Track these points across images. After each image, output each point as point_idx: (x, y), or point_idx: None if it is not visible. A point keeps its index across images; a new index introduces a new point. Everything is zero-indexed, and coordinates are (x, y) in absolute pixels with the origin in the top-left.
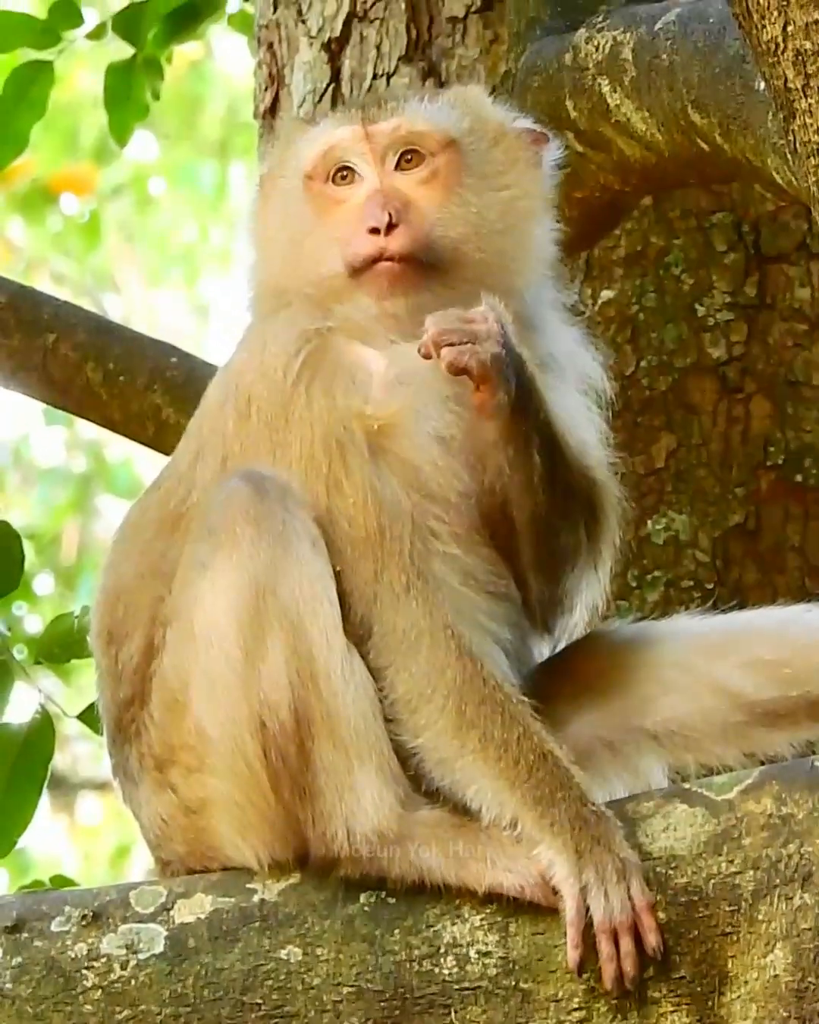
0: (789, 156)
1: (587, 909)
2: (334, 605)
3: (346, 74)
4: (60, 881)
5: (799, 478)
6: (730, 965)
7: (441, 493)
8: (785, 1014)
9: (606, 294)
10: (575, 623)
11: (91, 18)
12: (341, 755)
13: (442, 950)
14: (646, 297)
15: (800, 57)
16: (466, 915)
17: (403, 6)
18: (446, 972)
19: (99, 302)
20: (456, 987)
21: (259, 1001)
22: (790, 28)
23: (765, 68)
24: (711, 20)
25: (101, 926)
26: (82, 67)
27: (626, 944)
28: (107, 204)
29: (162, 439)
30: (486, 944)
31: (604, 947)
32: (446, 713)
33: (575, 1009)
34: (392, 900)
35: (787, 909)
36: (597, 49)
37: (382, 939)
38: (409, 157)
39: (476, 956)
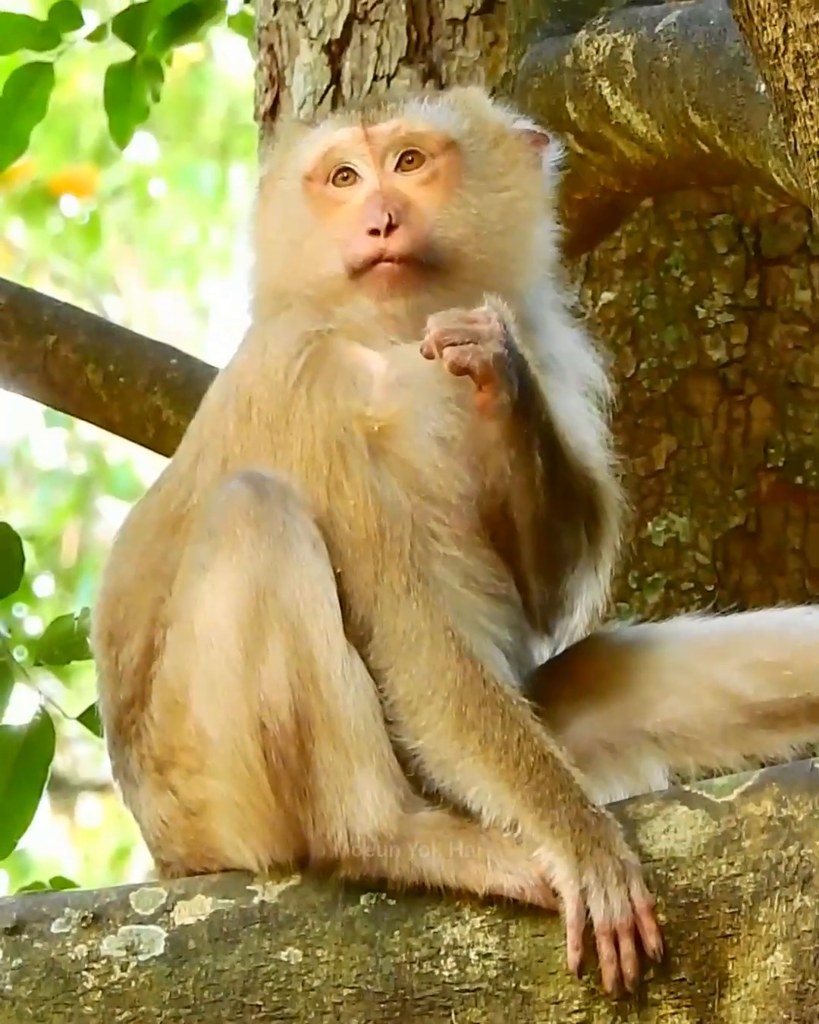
0: (790, 158)
1: (587, 911)
2: (334, 607)
3: (346, 76)
4: (60, 883)
5: (799, 480)
6: (730, 967)
7: (442, 495)
8: (785, 1016)
9: (606, 296)
10: (575, 625)
11: (91, 20)
12: (341, 757)
13: (442, 952)
14: (646, 299)
15: (801, 59)
16: (466, 917)
17: (403, 8)
18: (446, 974)
19: (99, 304)
20: (456, 989)
21: (259, 1003)
22: (791, 30)
23: (766, 70)
24: (712, 22)
25: (101, 928)
26: (82, 69)
27: (626, 946)
28: (107, 206)
29: (162, 441)
30: (486, 946)
31: (604, 949)
32: (446, 715)
33: (575, 1011)
34: (392, 902)
35: (787, 911)
36: (598, 51)
37: (382, 941)
38: (409, 158)
39: (476, 958)
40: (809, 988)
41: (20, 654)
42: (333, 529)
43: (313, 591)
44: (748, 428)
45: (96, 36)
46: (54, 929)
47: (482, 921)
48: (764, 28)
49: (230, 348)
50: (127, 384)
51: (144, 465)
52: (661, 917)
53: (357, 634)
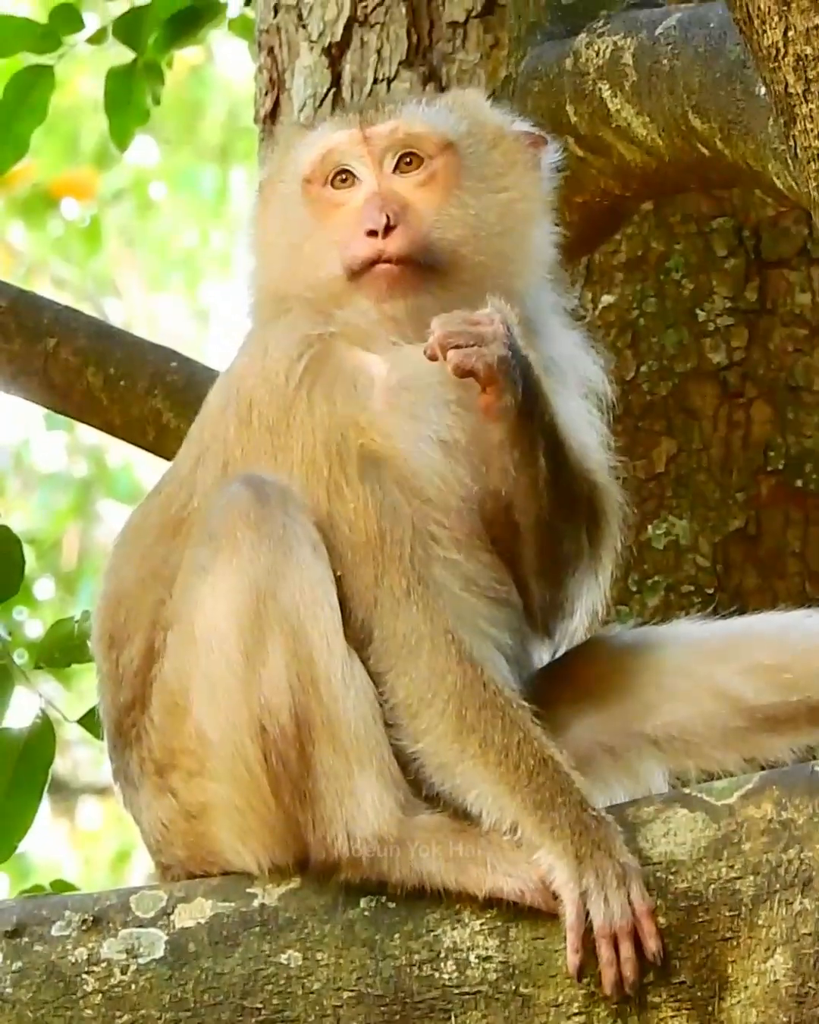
0: (790, 161)
1: (587, 914)
2: (335, 609)
3: (347, 79)
4: (60, 886)
5: (799, 483)
6: (730, 970)
7: (442, 498)
8: (785, 1019)
9: (607, 299)
10: (575, 628)
11: (92, 23)
12: (341, 759)
13: (442, 955)
14: (647, 302)
15: (801, 62)
16: (466, 920)
17: (404, 11)
18: (446, 977)
19: (100, 307)
20: (456, 992)
21: (259, 1006)
22: (791, 33)
23: (766, 73)
24: (712, 25)
25: (101, 931)
26: (83, 72)
27: (626, 949)
28: (108, 209)
29: (162, 444)
30: (486, 949)
31: (604, 952)
32: (446, 718)
33: (575, 1014)
34: (392, 905)
35: (787, 914)
36: (598, 54)
37: (382, 944)
38: (408, 160)
39: (476, 961)
40: (809, 991)
41: (20, 657)
42: (333, 532)
43: (313, 594)
44: (748, 431)
45: (96, 39)
46: (54, 932)
47: (482, 924)
48: (764, 31)
49: (230, 351)
50: (127, 387)
51: (144, 468)
52: (661, 920)
53: (357, 637)
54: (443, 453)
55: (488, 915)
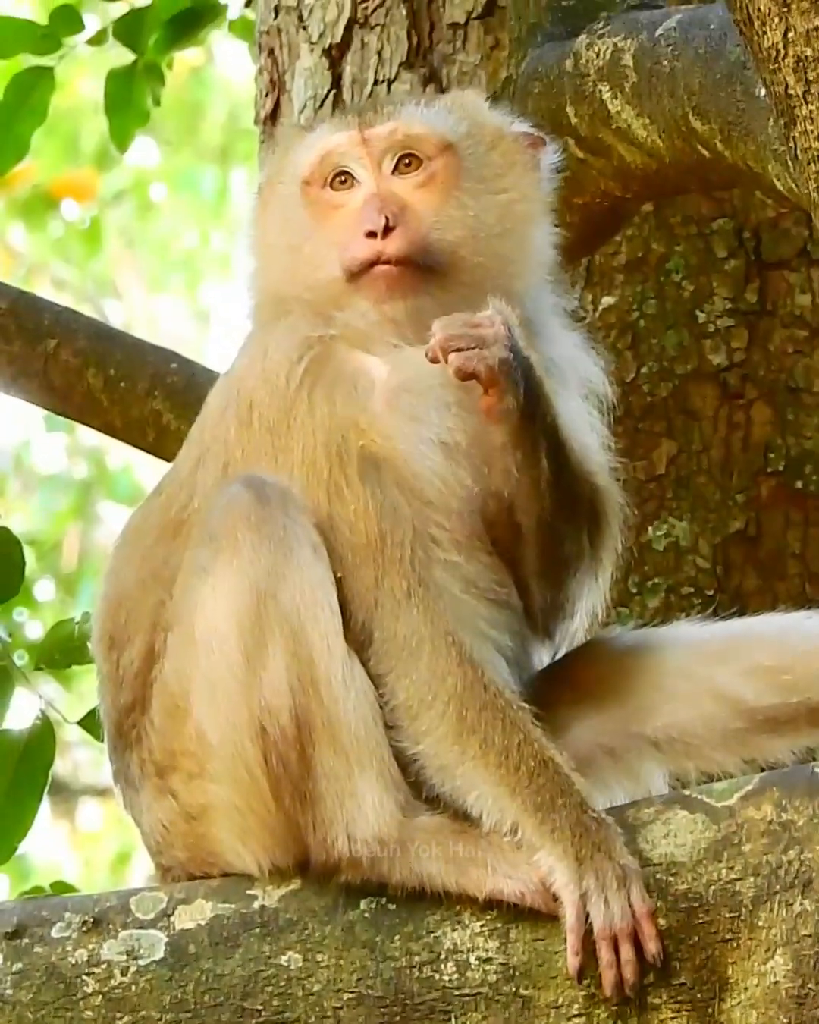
0: (790, 162)
1: (587, 916)
2: (335, 611)
3: (347, 80)
4: (61, 887)
5: (800, 484)
6: (730, 971)
7: (442, 500)
8: (785, 1020)
9: (607, 300)
10: (575, 629)
11: (92, 24)
12: (342, 761)
13: (442, 956)
14: (647, 303)
15: (801, 63)
16: (466, 921)
17: (404, 12)
18: (446, 978)
19: (100, 308)
20: (456, 993)
21: (259, 1007)
22: (791, 34)
23: (766, 74)
24: (712, 26)
25: (101, 932)
26: (83, 73)
27: (626, 951)
28: (108, 210)
29: (163, 445)
30: (486, 950)
31: (604, 954)
32: (447, 719)
33: (575, 1015)
34: (392, 906)
35: (787, 915)
36: (598, 55)
37: (382, 945)
38: (407, 161)
39: (476, 962)
40: (809, 992)
41: (21, 658)
42: (334, 534)
43: (314, 595)
44: (748, 432)
45: (97, 40)
46: (54, 934)
47: (482, 926)
48: (764, 33)
49: (231, 353)
50: (128, 388)
51: (145, 469)
52: (661, 921)
53: (358, 639)
54: (444, 455)
55: (488, 917)
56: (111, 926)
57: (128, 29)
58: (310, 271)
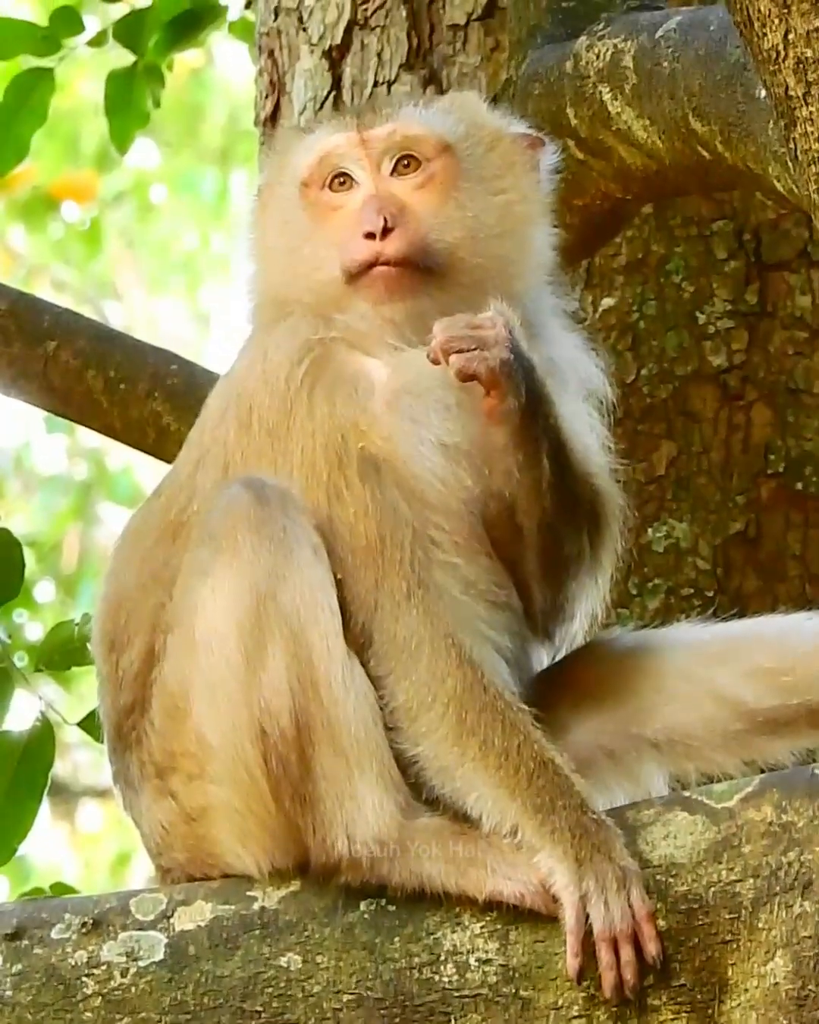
0: (790, 164)
1: (587, 917)
2: (335, 612)
3: (347, 82)
4: (60, 888)
5: (800, 486)
6: (730, 973)
7: (442, 502)
8: (785, 1022)
9: (607, 302)
10: (575, 631)
11: (92, 25)
12: (341, 762)
13: (442, 958)
14: (647, 305)
15: (801, 65)
16: (466, 923)
17: (404, 14)
18: (446, 980)
19: (100, 309)
20: (456, 995)
21: (259, 1009)
22: (791, 36)
23: (766, 76)
24: (712, 28)
25: (101, 933)
26: (83, 74)
27: (626, 952)
28: (108, 211)
29: (163, 447)
30: (486, 952)
31: (604, 955)
32: (446, 721)
33: (575, 1017)
34: (392, 908)
35: (787, 917)
36: (598, 57)
37: (382, 947)
38: (405, 162)
39: (476, 964)
40: (809, 994)
41: (20, 660)
42: (333, 536)
43: (313, 597)
44: (748, 434)
45: (97, 42)
46: (54, 935)
47: (482, 927)
48: (764, 34)
49: (230, 354)
50: (128, 390)
51: (145, 471)
52: (661, 923)
53: (357, 640)
54: (444, 456)
55: (488, 918)
56: (111, 927)
57: (128, 30)
58: (309, 272)
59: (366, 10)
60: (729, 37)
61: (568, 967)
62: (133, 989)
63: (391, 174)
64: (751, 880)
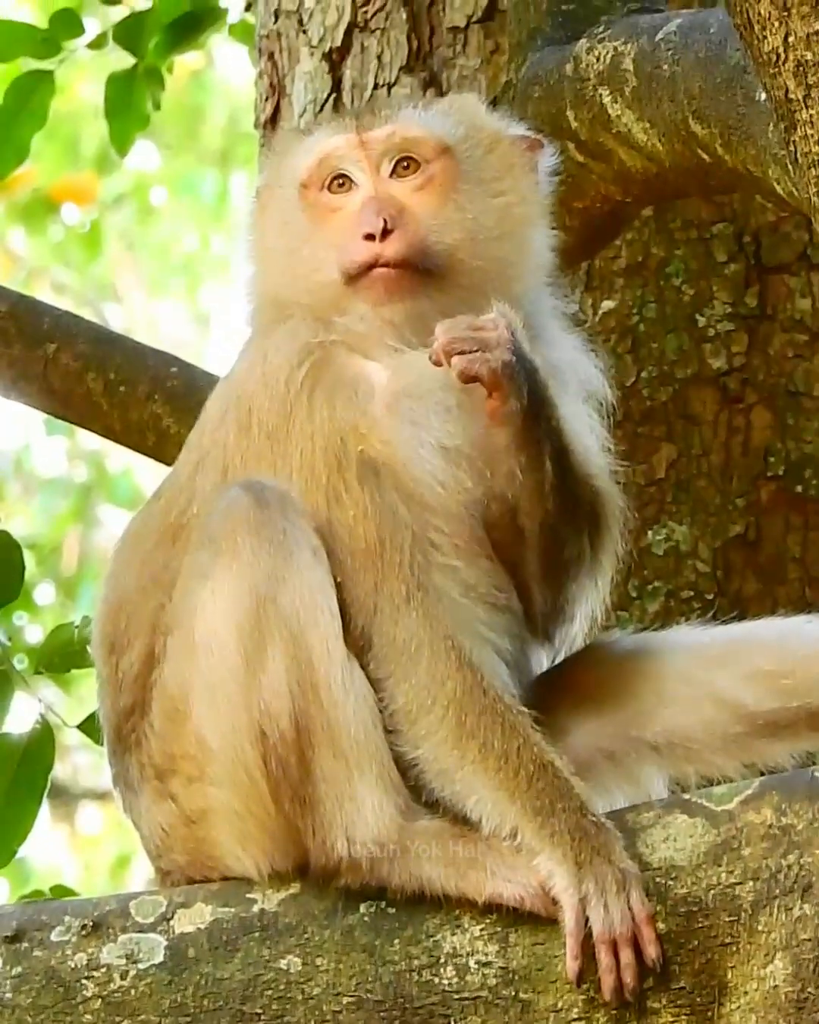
0: (790, 167)
1: (586, 920)
2: (335, 615)
3: (347, 84)
4: (60, 891)
5: (800, 489)
6: (730, 976)
7: (442, 505)
8: None
9: (607, 304)
10: (575, 633)
11: (92, 28)
12: (341, 765)
13: (442, 960)
14: (647, 307)
15: (801, 68)
16: (466, 925)
17: (404, 16)
18: (446, 982)
19: (100, 312)
20: (456, 997)
21: (259, 1011)
22: (791, 39)
23: (766, 79)
24: (712, 31)
25: (101, 936)
26: (83, 77)
27: (626, 955)
28: (108, 214)
29: (163, 449)
30: (486, 954)
31: (603, 958)
32: (446, 724)
33: (575, 1019)
34: (392, 910)
35: (787, 920)
36: (598, 59)
37: (382, 949)
38: (405, 164)
39: (476, 966)
40: (809, 997)
41: (20, 662)
42: (333, 539)
43: (313, 599)
44: (748, 437)
45: (97, 44)
46: (54, 937)
47: (482, 929)
48: (764, 37)
49: (230, 357)
50: (128, 392)
51: (145, 473)
52: (660, 925)
53: (357, 643)
54: (444, 459)
55: (488, 921)
56: (110, 930)
57: (128, 33)
58: (308, 274)
59: (366, 13)
60: (729, 40)
61: (568, 970)
62: (133, 991)
63: (390, 176)
64: (751, 883)
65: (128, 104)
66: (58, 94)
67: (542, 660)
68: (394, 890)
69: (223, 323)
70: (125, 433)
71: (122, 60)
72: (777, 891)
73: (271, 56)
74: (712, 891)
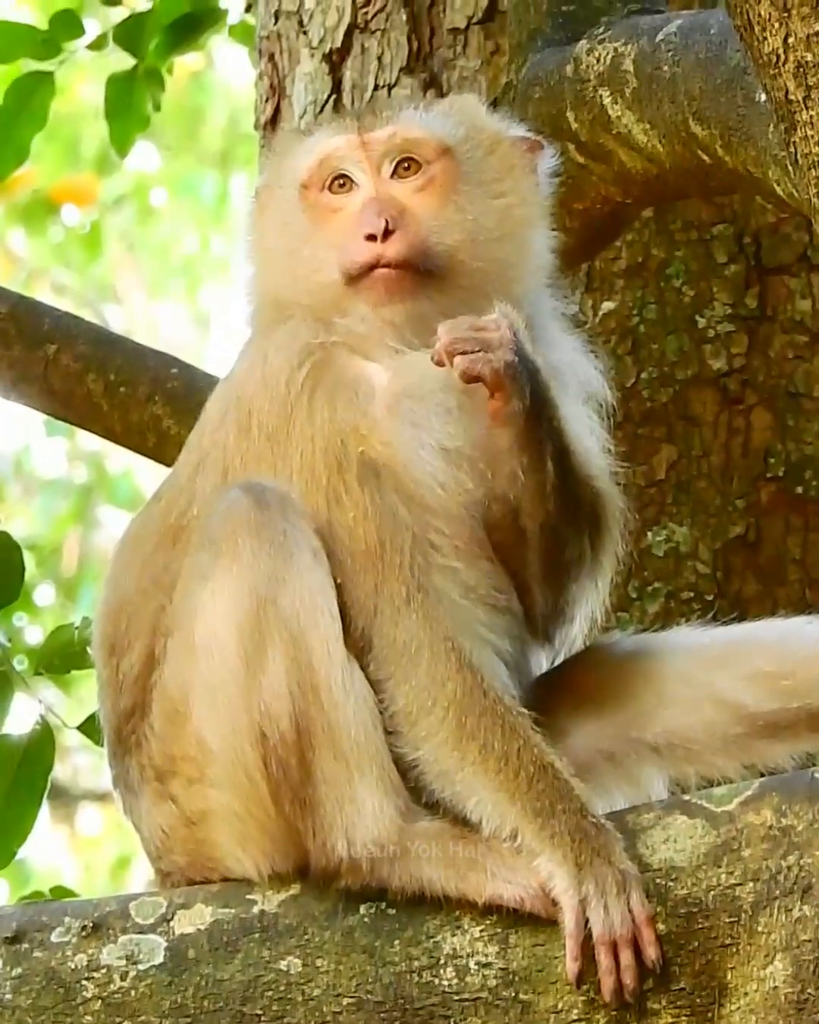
0: (790, 168)
1: (586, 921)
2: (335, 616)
3: (347, 85)
4: (60, 892)
5: (800, 490)
6: (730, 977)
7: (442, 506)
8: None
9: (607, 305)
10: (575, 634)
11: (92, 29)
12: (341, 766)
13: (442, 961)
14: (647, 309)
15: (801, 69)
16: (466, 926)
17: (404, 17)
18: (446, 983)
19: (100, 313)
20: (456, 998)
21: (259, 1012)
22: (791, 40)
23: (766, 80)
24: (712, 32)
25: (101, 937)
26: (83, 78)
27: (626, 957)
28: (108, 215)
29: (163, 450)
30: (486, 955)
31: (603, 959)
32: (446, 725)
33: (575, 1020)
34: (392, 911)
35: (787, 921)
36: (598, 60)
37: (382, 950)
38: (406, 165)
39: (476, 967)
40: (809, 998)
41: (20, 663)
42: (333, 540)
43: (313, 601)
44: (748, 438)
45: (97, 45)
46: (54, 938)
47: (482, 931)
48: (765, 38)
49: (230, 358)
50: (128, 393)
51: (145, 474)
52: (660, 927)
53: (357, 645)
54: (444, 461)
55: (488, 922)
56: (111, 931)
57: (128, 34)
58: (308, 274)
59: (366, 14)
60: (729, 41)
61: (568, 971)
62: (133, 992)
63: (391, 177)
64: (751, 884)
65: (128, 105)
66: (58, 95)
67: (542, 661)
68: (394, 891)
69: (223, 324)
70: (125, 434)
71: (122, 61)
72: (777, 892)
73: (271, 57)
74: (712, 892)
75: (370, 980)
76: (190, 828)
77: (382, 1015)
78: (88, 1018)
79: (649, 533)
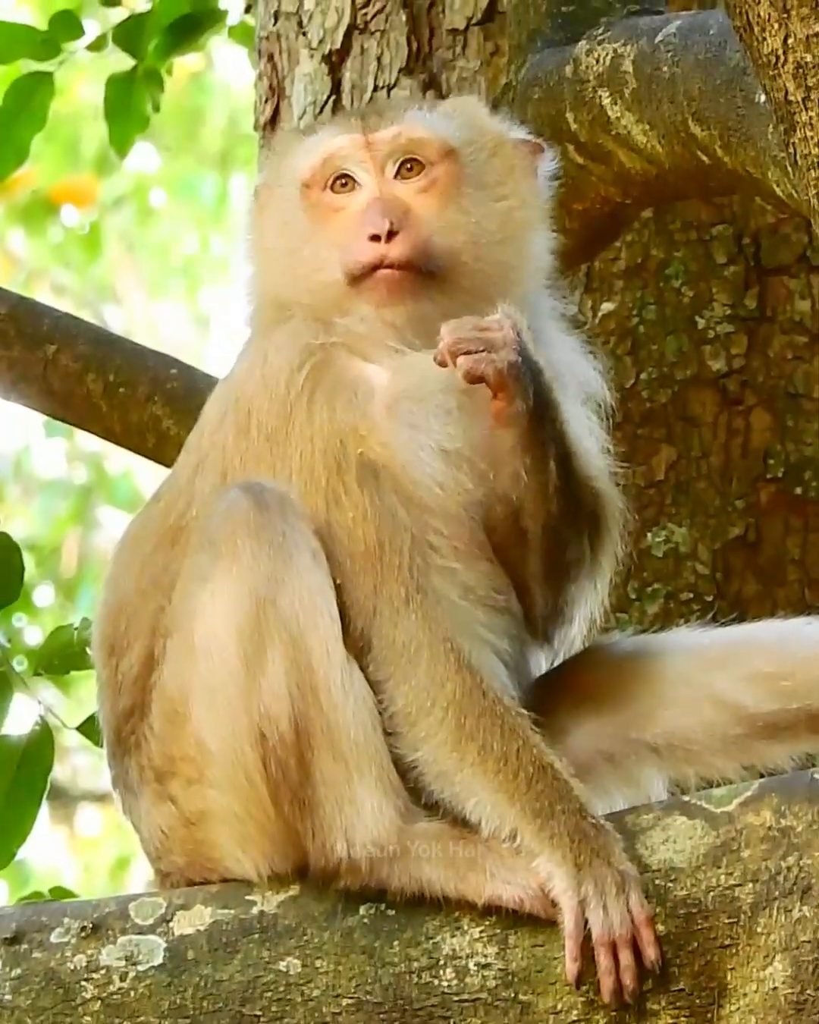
0: (789, 169)
1: (586, 922)
2: (334, 617)
3: (346, 86)
4: (59, 893)
5: (799, 491)
6: (729, 977)
7: (441, 507)
8: None
9: (606, 306)
10: (574, 635)
11: (92, 29)
12: (341, 767)
13: (441, 962)
14: (646, 309)
15: (801, 70)
16: (465, 927)
17: (404, 18)
18: (445, 984)
19: (100, 313)
20: (455, 999)
21: (258, 1013)
22: (791, 41)
23: (766, 81)
24: (712, 32)
25: (100, 938)
26: (83, 78)
27: (625, 957)
28: (108, 215)
29: (162, 451)
30: (485, 956)
31: (603, 961)
32: (445, 726)
33: (574, 1021)
34: (391, 912)
35: (786, 921)
36: (598, 61)
37: (381, 951)
38: (409, 166)
39: (475, 968)
40: (808, 999)
41: (20, 664)
42: (332, 541)
43: (313, 601)
44: (748, 438)
45: (96, 46)
46: (53, 939)
47: (481, 931)
48: (764, 39)
49: (230, 358)
50: (127, 394)
51: (144, 475)
52: (660, 927)
53: (357, 645)
54: (443, 462)
55: (487, 922)
56: (110, 932)
57: (128, 35)
58: (309, 274)
59: (366, 15)
60: (729, 42)
61: (567, 972)
62: (132, 993)
63: (395, 177)
64: (750, 885)
65: (128, 106)
66: (58, 96)
67: (541, 662)
68: (394, 892)
69: (223, 325)
70: (125, 435)
71: (122, 62)
72: (776, 893)
73: (271, 58)
74: (711, 893)
75: (369, 981)
76: (189, 829)
77: (382, 1016)
78: (87, 1019)
79: (648, 534)
